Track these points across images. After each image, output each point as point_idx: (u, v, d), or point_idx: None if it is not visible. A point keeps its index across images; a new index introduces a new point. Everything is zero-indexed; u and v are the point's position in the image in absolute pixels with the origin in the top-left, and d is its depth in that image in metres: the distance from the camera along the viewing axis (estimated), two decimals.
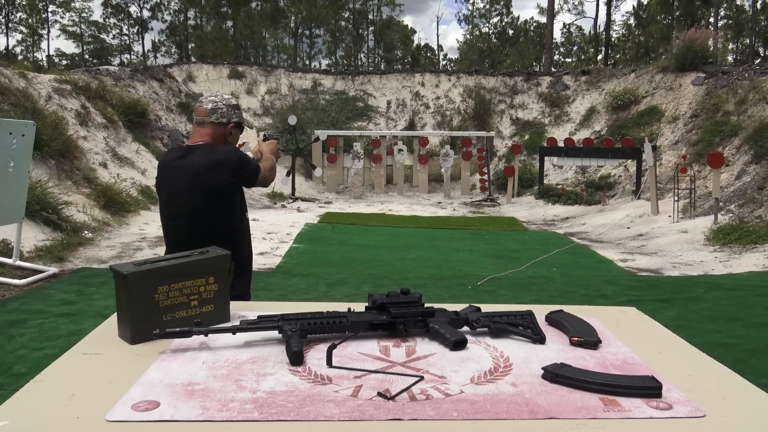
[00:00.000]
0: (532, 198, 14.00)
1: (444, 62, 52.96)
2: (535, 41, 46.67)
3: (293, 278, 6.04)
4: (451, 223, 10.96)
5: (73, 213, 8.13)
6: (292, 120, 14.81)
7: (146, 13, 46.14)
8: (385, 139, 16.68)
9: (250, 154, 2.70)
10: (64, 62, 42.78)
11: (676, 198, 10.32)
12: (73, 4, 43.95)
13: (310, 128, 16.78)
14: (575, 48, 48.69)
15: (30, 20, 44.06)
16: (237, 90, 18.87)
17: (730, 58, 38.22)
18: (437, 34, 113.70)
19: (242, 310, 1.76)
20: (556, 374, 1.28)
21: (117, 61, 44.84)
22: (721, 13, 38.14)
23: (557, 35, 49.06)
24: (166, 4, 45.57)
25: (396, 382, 1.26)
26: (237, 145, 2.67)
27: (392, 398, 1.18)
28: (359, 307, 1.62)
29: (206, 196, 2.42)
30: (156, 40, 49.26)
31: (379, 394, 1.20)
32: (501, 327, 1.57)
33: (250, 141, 12.60)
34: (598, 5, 39.86)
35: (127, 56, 47.41)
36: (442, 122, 18.55)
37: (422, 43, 63.57)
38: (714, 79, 14.10)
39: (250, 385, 1.24)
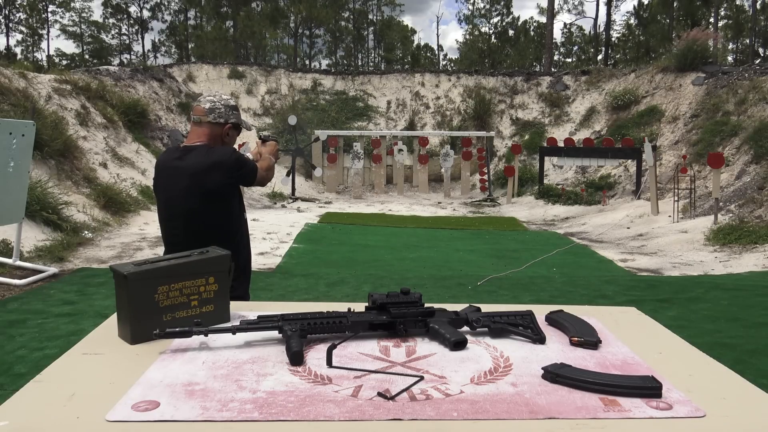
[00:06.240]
0: (532, 198, 13.99)
1: (444, 62, 52.97)
2: (535, 41, 46.64)
3: (293, 278, 6.04)
4: (451, 223, 10.96)
5: (73, 213, 8.13)
6: (292, 120, 14.81)
7: (146, 13, 46.22)
8: (385, 139, 16.67)
9: (249, 155, 2.69)
10: (64, 62, 42.80)
11: (676, 198, 10.32)
12: (73, 4, 44.02)
13: (310, 128, 16.78)
14: (575, 48, 48.71)
15: (30, 20, 44.07)
16: (237, 90, 18.86)
17: (730, 58, 38.17)
18: (437, 34, 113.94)
19: (242, 310, 1.76)
20: (556, 374, 1.28)
21: (117, 61, 44.85)
22: (721, 13, 38.15)
23: (557, 35, 49.10)
24: (166, 4, 45.65)
25: (396, 382, 1.26)
26: (237, 146, 2.67)
27: (392, 398, 1.18)
28: (359, 307, 1.62)
29: (204, 197, 2.41)
30: (156, 40, 49.35)
31: (379, 394, 1.20)
32: (501, 327, 1.57)
33: (250, 141, 12.60)
34: (598, 5, 39.94)
35: (127, 56, 47.44)
36: (442, 122, 18.55)
37: (422, 43, 63.67)
38: (714, 79, 14.10)
39: (250, 385, 1.24)
